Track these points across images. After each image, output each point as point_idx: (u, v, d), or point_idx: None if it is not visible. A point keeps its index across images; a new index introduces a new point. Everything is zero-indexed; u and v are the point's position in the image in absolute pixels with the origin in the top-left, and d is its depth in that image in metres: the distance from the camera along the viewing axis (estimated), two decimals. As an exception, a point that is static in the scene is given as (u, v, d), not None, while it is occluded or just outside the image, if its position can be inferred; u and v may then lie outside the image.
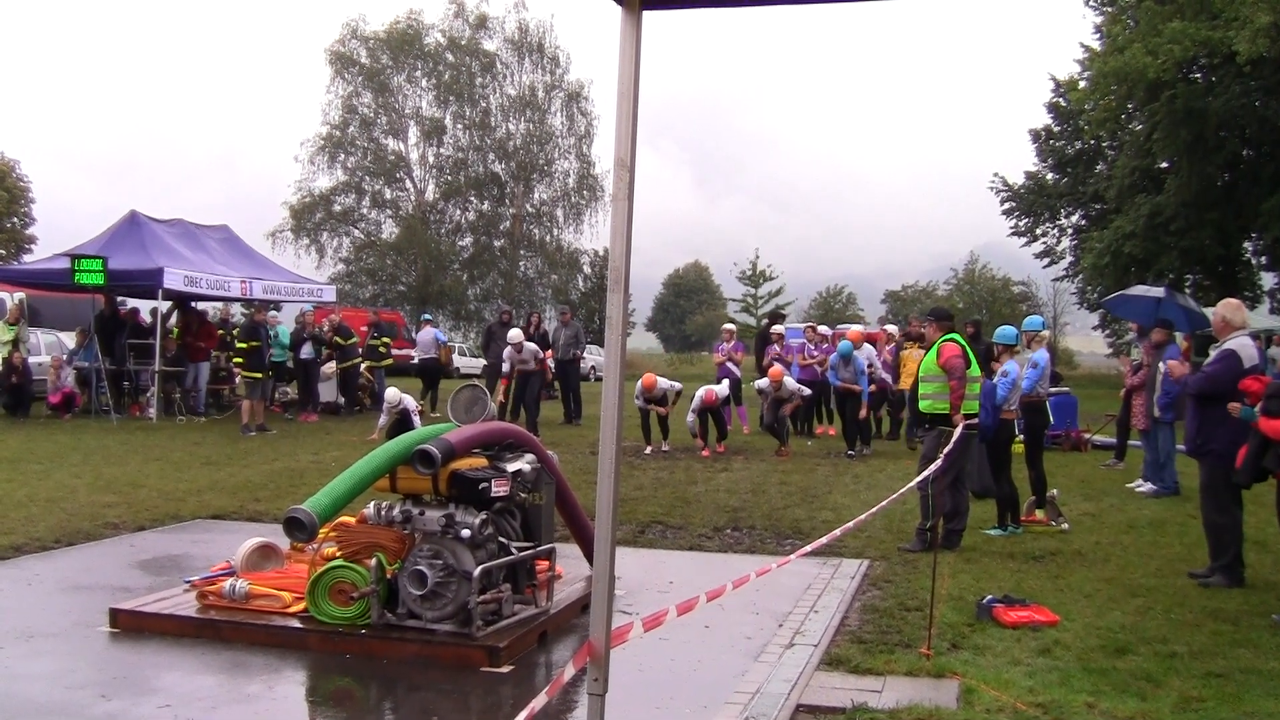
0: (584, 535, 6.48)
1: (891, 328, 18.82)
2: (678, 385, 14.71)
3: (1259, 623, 6.07)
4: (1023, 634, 5.71)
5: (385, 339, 20.04)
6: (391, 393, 14.79)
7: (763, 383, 15.06)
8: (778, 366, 15.25)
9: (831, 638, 5.67)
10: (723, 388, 14.96)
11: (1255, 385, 6.54)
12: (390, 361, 20.77)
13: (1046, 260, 42.26)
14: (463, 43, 47.44)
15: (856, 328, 20.36)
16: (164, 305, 18.93)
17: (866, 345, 15.96)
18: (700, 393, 14.10)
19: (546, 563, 6.01)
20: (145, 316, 20.19)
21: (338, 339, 19.27)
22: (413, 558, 5.34)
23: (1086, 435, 15.46)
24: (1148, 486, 11.33)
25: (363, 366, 19.72)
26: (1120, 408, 13.11)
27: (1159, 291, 14.86)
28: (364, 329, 20.93)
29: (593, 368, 38.46)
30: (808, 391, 15.14)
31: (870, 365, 15.19)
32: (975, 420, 8.09)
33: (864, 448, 14.38)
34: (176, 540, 8.09)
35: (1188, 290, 29.17)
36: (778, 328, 18.32)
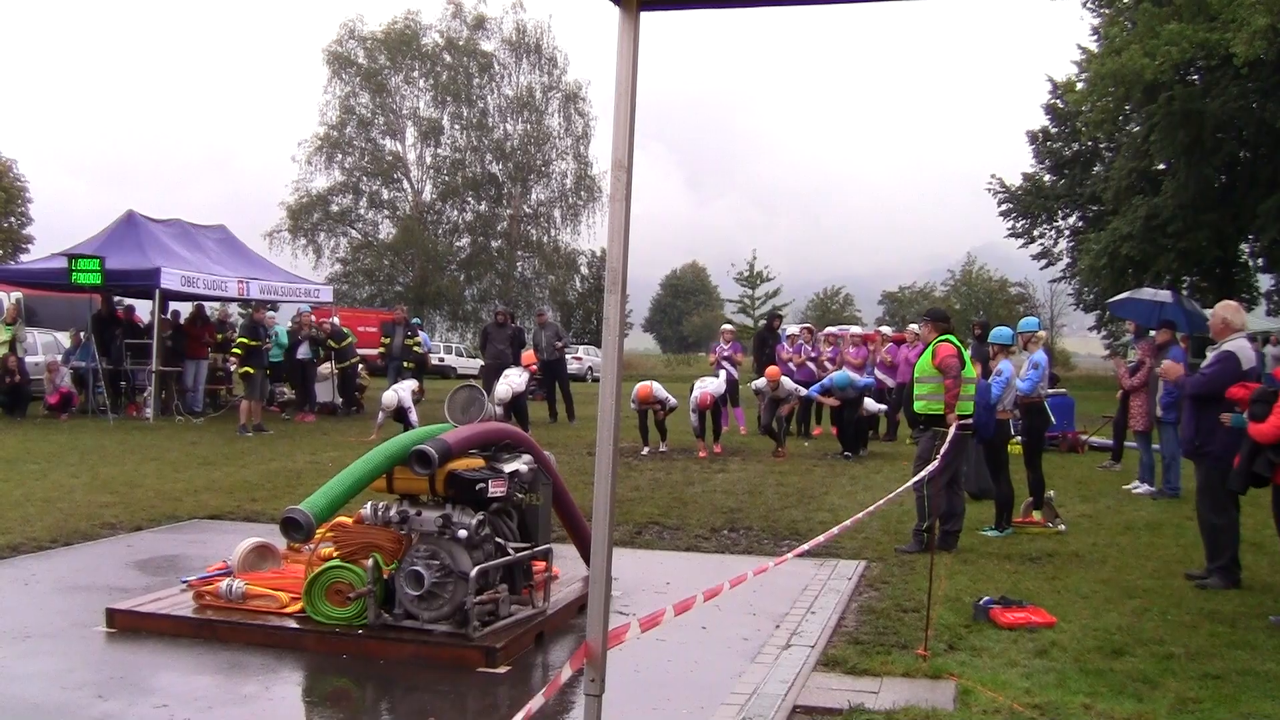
0: (581, 536, 6.48)
1: (887, 329, 18.89)
2: (673, 401, 14.36)
3: (1256, 624, 6.08)
4: (1019, 635, 5.71)
5: (418, 340, 19.75)
6: (388, 395, 14.76)
7: (760, 383, 15.05)
8: (775, 366, 15.27)
9: (828, 639, 5.67)
10: (718, 383, 14.87)
11: (1241, 392, 6.55)
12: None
13: (1044, 262, 42.37)
14: (460, 43, 47.45)
15: (855, 329, 20.41)
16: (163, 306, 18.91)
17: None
18: (695, 395, 14.05)
19: (543, 563, 6.00)
20: (142, 316, 20.16)
21: (331, 342, 19.25)
22: (409, 558, 5.34)
23: (1084, 437, 15.48)
24: (1144, 488, 11.34)
25: (404, 365, 19.52)
26: (1117, 409, 13.12)
27: (1166, 295, 14.87)
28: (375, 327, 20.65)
29: (590, 368, 38.49)
30: (804, 391, 15.14)
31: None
32: (970, 421, 8.10)
33: (861, 449, 14.37)
34: (173, 540, 8.08)
35: (1184, 291, 29.20)
36: (792, 329, 18.32)
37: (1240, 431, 6.53)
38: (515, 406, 15.34)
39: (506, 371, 15.90)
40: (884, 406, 15.70)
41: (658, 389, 14.17)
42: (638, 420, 14.49)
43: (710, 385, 14.39)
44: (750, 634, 5.79)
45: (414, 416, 14.41)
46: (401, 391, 14.64)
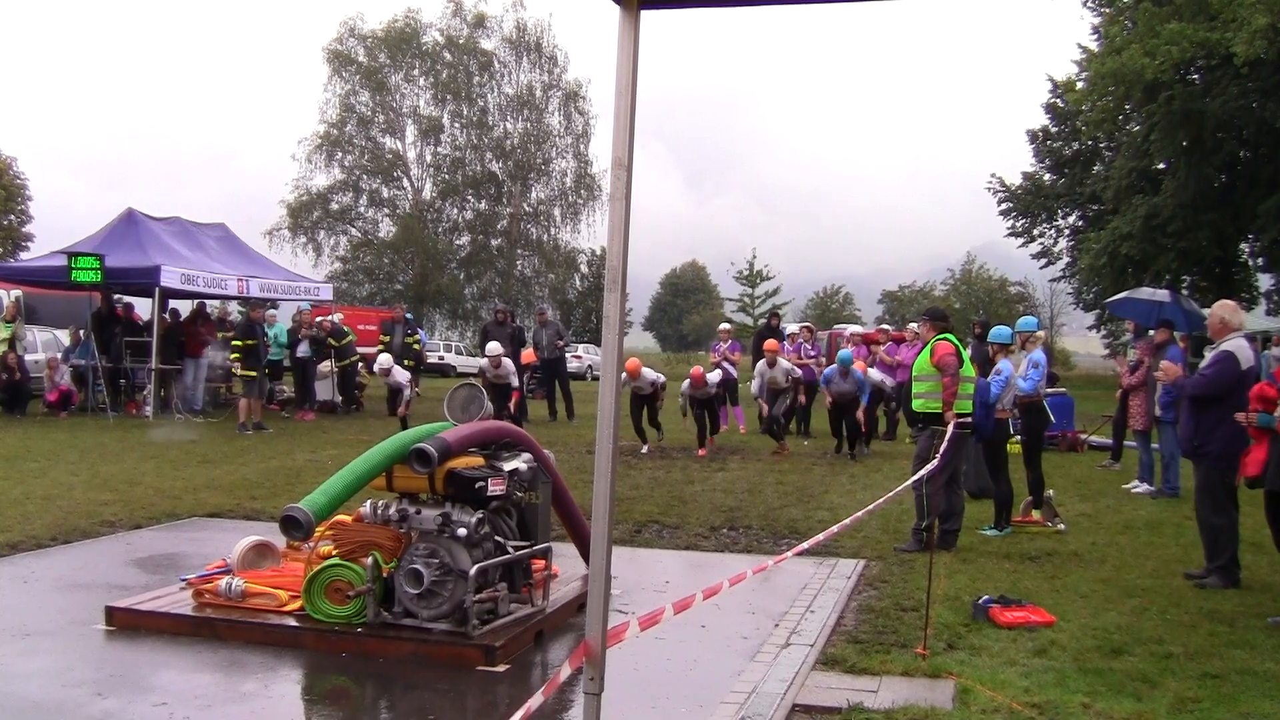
0: (580, 534, 6.48)
1: (888, 328, 18.93)
2: (662, 378, 14.40)
3: (1255, 624, 6.08)
4: (1019, 634, 5.71)
5: (417, 338, 19.71)
6: (384, 358, 15.34)
7: (759, 365, 15.08)
8: (772, 340, 15.36)
9: (827, 638, 5.67)
10: (714, 374, 14.92)
11: (1272, 391, 6.47)
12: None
13: (1044, 261, 42.42)
14: (460, 42, 47.44)
15: (856, 328, 20.43)
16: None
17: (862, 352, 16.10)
18: (690, 380, 14.13)
19: (543, 562, 6.00)
20: (142, 314, 20.14)
21: (331, 340, 19.24)
22: (409, 556, 5.34)
23: (1083, 436, 15.48)
24: (1144, 487, 11.34)
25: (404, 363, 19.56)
26: (1117, 408, 13.13)
27: (1164, 295, 14.89)
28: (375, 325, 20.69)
29: (590, 367, 38.50)
30: (799, 372, 15.19)
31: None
32: (968, 419, 8.10)
33: (861, 448, 14.37)
34: (173, 538, 8.08)
35: (1184, 291, 29.23)
36: (791, 328, 18.34)
37: (1242, 428, 6.52)
38: (514, 408, 15.44)
39: None
40: (889, 377, 15.71)
41: (646, 369, 14.19)
42: (632, 420, 14.38)
43: (711, 376, 14.49)
44: (749, 632, 5.79)
45: (408, 393, 15.42)
46: (399, 373, 15.25)
